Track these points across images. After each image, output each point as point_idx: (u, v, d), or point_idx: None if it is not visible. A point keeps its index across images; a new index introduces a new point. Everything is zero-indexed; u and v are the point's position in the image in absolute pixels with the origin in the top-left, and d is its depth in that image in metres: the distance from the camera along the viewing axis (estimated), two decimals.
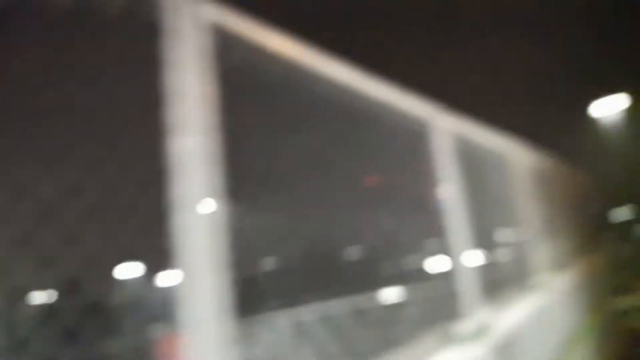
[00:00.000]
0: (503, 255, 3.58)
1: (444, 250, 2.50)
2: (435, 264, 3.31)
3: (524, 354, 3.29)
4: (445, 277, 3.42)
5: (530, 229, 4.09)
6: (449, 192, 2.47)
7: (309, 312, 4.42)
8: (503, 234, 3.58)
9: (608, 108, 24.22)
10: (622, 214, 22.71)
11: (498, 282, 3.20)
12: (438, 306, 2.59)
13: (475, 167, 3.06)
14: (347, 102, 2.08)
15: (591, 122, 24.80)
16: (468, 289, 2.47)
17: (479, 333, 2.48)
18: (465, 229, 2.50)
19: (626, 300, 11.31)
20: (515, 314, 3.16)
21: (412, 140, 2.48)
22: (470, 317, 2.47)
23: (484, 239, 3.29)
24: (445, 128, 2.56)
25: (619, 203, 22.83)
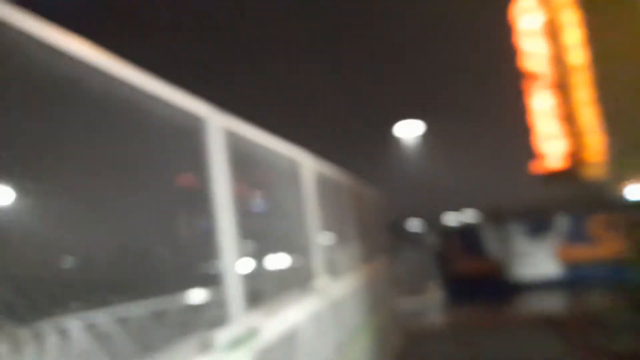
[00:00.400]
0: (285, 259, 3.64)
1: (214, 253, 2.42)
2: (246, 266, 3.27)
3: (298, 356, 3.37)
4: (249, 278, 3.38)
5: (319, 235, 4.26)
6: (222, 192, 2.40)
7: (106, 315, 4.20)
8: (288, 239, 3.65)
9: (409, 130, 27.08)
10: (417, 224, 25.48)
11: (276, 286, 3.24)
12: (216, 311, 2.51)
13: (258, 172, 3.06)
14: (105, 89, 1.88)
15: (394, 141, 27.51)
16: (236, 293, 2.42)
17: (245, 339, 2.44)
18: (235, 231, 2.45)
19: (414, 301, 12.60)
20: (290, 317, 3.22)
21: (187, 137, 2.37)
22: (237, 323, 2.42)
23: (264, 243, 3.31)
24: (223, 127, 2.50)
25: (414, 215, 25.57)
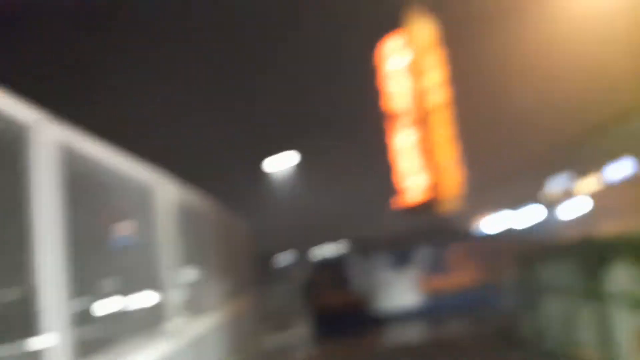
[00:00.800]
0: (134, 299, 3.19)
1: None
2: (106, 306, 2.78)
3: None
4: (112, 318, 2.86)
5: (176, 270, 3.85)
6: (47, 221, 1.98)
7: None
8: (137, 275, 3.21)
9: (280, 164, 27.21)
10: (286, 258, 25.36)
11: (120, 331, 2.79)
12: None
13: (99, 197, 2.64)
14: None
15: (264, 177, 27.43)
16: (61, 342, 1.98)
17: None
18: (63, 267, 2.03)
19: (281, 336, 12.28)
20: None
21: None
22: None
23: (107, 281, 2.86)
24: (56, 140, 2.08)
25: (284, 248, 25.47)
